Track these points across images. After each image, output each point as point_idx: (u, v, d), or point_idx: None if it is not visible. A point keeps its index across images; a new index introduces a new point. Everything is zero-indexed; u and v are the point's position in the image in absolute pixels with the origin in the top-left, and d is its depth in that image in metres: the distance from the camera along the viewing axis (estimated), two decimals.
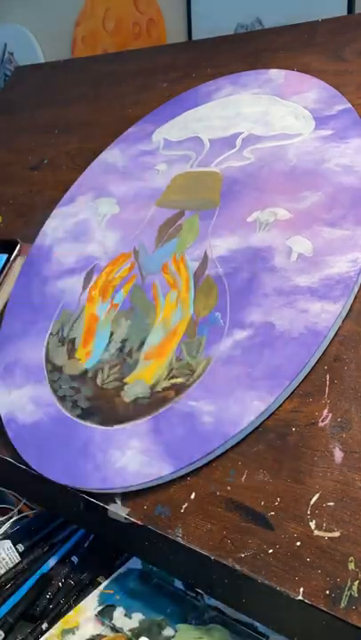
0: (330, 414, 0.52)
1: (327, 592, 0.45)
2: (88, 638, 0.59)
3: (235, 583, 0.50)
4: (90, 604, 0.62)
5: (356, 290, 0.56)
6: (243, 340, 0.57)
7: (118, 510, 0.56)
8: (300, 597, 0.46)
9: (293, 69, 0.76)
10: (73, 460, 0.60)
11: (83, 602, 0.62)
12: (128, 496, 0.57)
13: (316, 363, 0.55)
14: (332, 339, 0.55)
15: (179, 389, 0.58)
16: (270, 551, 0.48)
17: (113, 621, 0.59)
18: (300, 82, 0.74)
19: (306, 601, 0.45)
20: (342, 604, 0.44)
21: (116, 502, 0.57)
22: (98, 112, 0.97)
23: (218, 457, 0.54)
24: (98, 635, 0.59)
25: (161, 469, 0.55)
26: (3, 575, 0.67)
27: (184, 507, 0.54)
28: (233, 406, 0.54)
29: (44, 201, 0.88)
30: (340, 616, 0.44)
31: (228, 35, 0.94)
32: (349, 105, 0.68)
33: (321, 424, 0.52)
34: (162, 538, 0.54)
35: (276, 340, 0.56)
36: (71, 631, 0.59)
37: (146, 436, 0.57)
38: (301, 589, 0.46)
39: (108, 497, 0.58)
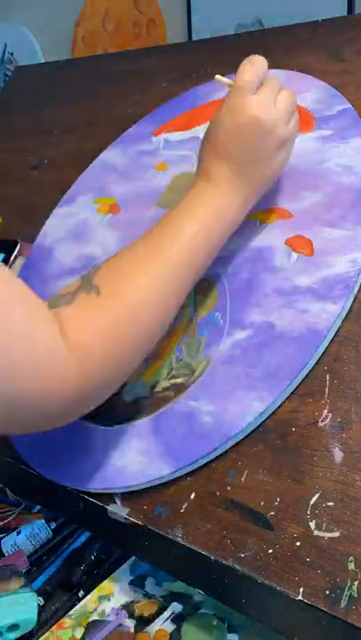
0: (330, 414, 0.52)
1: (327, 592, 0.45)
2: (123, 604, 0.62)
3: (234, 583, 0.50)
4: (123, 575, 0.64)
5: (356, 290, 0.56)
6: (243, 341, 0.57)
7: (118, 510, 0.56)
8: (299, 597, 0.46)
9: (293, 69, 0.76)
10: (73, 459, 0.60)
11: (116, 572, 0.65)
12: (128, 496, 0.57)
13: (316, 363, 0.55)
14: (332, 339, 0.55)
15: (179, 389, 0.58)
16: (270, 551, 0.48)
17: (145, 589, 0.62)
18: (300, 82, 0.74)
19: (306, 601, 0.45)
20: (342, 604, 0.44)
21: (115, 502, 0.57)
22: (98, 112, 0.97)
23: (218, 457, 0.54)
24: (132, 601, 0.62)
25: (161, 469, 0.55)
26: (38, 550, 0.71)
27: (184, 507, 0.54)
28: (233, 406, 0.54)
29: (44, 201, 0.88)
30: (340, 616, 0.44)
31: (228, 35, 0.94)
32: (349, 105, 0.68)
33: (321, 424, 0.52)
34: (162, 538, 0.54)
35: (276, 340, 0.56)
36: (107, 597, 0.63)
37: (146, 436, 0.57)
38: (301, 589, 0.46)
39: (108, 497, 0.58)
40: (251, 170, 0.56)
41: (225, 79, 0.60)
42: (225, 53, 0.88)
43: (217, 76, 0.61)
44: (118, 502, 0.57)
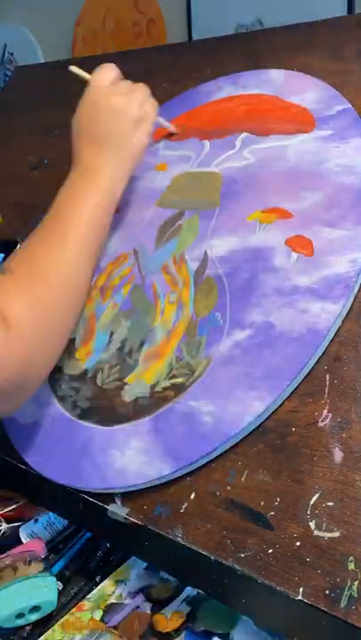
0: (330, 414, 0.52)
1: (327, 592, 0.45)
2: (139, 587, 0.64)
3: (234, 583, 0.50)
4: (138, 561, 0.66)
5: (356, 290, 0.56)
6: (243, 340, 0.57)
7: (118, 510, 0.56)
8: (299, 597, 0.46)
9: (293, 69, 0.76)
10: (73, 459, 0.60)
11: (132, 558, 0.66)
12: (128, 496, 0.57)
13: (316, 363, 0.55)
14: (332, 339, 0.55)
15: (179, 389, 0.58)
16: (270, 551, 0.48)
17: (160, 574, 0.64)
18: (300, 82, 0.74)
19: (306, 601, 0.45)
20: (342, 604, 0.44)
21: (115, 502, 0.57)
22: None
23: (218, 457, 0.54)
24: (147, 585, 0.64)
25: (161, 469, 0.55)
26: (55, 537, 0.72)
27: (184, 507, 0.54)
28: (233, 406, 0.54)
29: (44, 201, 0.88)
30: (339, 616, 0.44)
31: (228, 35, 0.94)
32: (349, 105, 0.68)
33: (321, 424, 0.52)
34: (161, 538, 0.54)
35: (276, 340, 0.56)
36: (123, 582, 0.65)
37: (146, 435, 0.57)
38: (301, 589, 0.46)
39: (108, 497, 0.58)
40: (115, 151, 0.64)
41: (79, 71, 0.69)
42: (225, 53, 0.88)
43: (72, 67, 0.69)
44: (118, 502, 0.57)
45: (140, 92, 0.68)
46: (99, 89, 0.66)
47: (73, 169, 0.64)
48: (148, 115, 0.68)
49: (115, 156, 0.64)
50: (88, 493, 0.59)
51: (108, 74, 0.67)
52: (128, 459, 0.57)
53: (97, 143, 0.64)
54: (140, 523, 0.55)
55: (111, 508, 0.57)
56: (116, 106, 0.65)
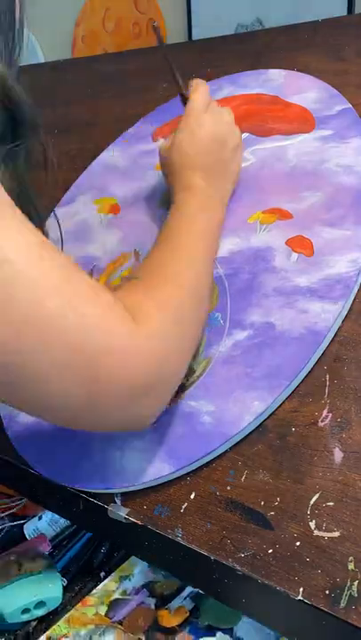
0: (330, 414, 0.52)
1: (327, 592, 0.45)
2: (143, 583, 0.65)
3: (235, 583, 0.50)
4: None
5: (356, 290, 0.56)
6: (243, 341, 0.57)
7: (118, 510, 0.56)
8: (299, 597, 0.46)
9: (293, 69, 0.76)
10: (73, 460, 0.60)
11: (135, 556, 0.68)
12: (128, 496, 0.57)
13: (316, 363, 0.55)
14: (332, 339, 0.55)
15: (179, 389, 0.58)
16: (270, 551, 0.48)
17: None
18: (300, 82, 0.74)
19: (306, 601, 0.45)
20: (342, 604, 0.44)
21: (115, 502, 0.57)
22: (98, 112, 0.97)
23: (218, 457, 0.54)
24: (151, 581, 0.65)
25: (161, 469, 0.55)
26: (59, 534, 0.74)
27: (184, 507, 0.54)
28: (233, 406, 0.54)
29: (44, 201, 0.88)
30: (340, 616, 0.44)
31: (228, 35, 0.94)
32: (349, 105, 0.68)
33: (321, 424, 0.52)
34: (162, 538, 0.54)
35: (276, 341, 0.56)
36: (127, 578, 0.66)
37: (146, 435, 0.57)
38: (301, 589, 0.46)
39: (108, 497, 0.58)
40: (224, 179, 0.66)
41: (178, 78, 0.69)
42: (225, 53, 0.88)
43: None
44: (118, 502, 0.57)
45: (231, 116, 0.68)
46: (202, 114, 0.66)
47: (184, 194, 0.63)
48: (240, 141, 0.69)
49: (224, 185, 0.66)
50: (88, 493, 0.59)
51: (206, 95, 0.67)
52: (128, 459, 0.57)
53: (206, 172, 0.64)
54: (140, 523, 0.55)
55: (111, 507, 0.57)
56: (222, 135, 0.66)
